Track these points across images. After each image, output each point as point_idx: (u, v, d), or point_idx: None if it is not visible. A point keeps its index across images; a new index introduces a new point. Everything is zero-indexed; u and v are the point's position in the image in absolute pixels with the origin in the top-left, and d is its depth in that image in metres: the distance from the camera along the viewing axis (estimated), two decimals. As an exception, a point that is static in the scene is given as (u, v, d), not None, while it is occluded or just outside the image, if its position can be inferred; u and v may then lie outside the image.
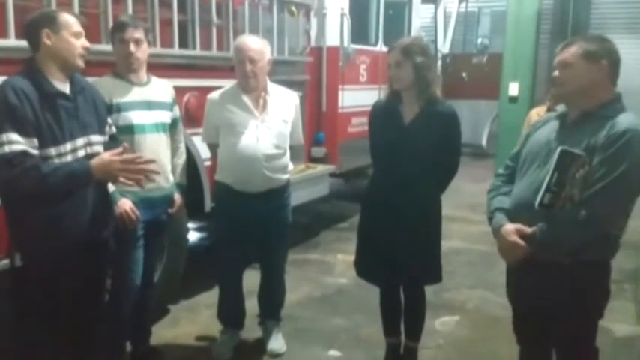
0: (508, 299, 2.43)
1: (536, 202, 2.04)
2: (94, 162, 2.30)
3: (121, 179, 2.37)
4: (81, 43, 2.35)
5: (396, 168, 2.80)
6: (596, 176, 2.00)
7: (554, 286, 2.13)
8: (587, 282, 2.11)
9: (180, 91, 3.57)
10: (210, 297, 3.86)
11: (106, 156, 2.33)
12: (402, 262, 2.85)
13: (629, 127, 2.00)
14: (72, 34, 2.32)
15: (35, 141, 2.20)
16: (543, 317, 2.25)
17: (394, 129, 2.82)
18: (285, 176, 3.22)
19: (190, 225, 4.26)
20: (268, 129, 3.07)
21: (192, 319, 3.85)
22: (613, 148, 1.99)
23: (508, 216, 2.23)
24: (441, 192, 2.93)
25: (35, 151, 2.19)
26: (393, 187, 2.81)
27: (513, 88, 6.62)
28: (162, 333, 3.59)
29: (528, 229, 2.11)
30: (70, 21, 2.34)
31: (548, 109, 4.45)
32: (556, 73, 2.18)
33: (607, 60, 2.09)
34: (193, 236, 5.04)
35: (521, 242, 2.11)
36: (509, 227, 2.16)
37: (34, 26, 2.31)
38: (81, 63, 2.37)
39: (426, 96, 2.77)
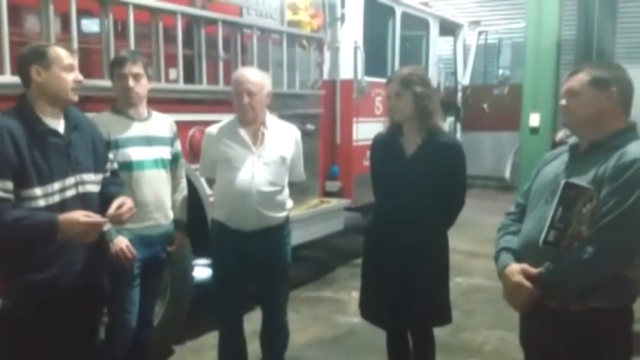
0: (521, 345, 2.25)
1: (540, 240, 1.88)
2: (63, 216, 2.14)
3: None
4: (72, 77, 2.28)
5: (398, 202, 2.68)
6: (603, 209, 1.84)
7: (567, 336, 1.95)
8: (603, 332, 1.91)
9: (185, 125, 3.53)
10: (216, 337, 3.70)
11: (77, 215, 2.15)
12: (406, 303, 2.69)
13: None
14: (62, 68, 2.25)
15: (9, 184, 2.10)
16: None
17: (395, 162, 2.71)
18: (282, 214, 3.07)
19: (197, 261, 4.16)
20: (265, 165, 2.94)
21: (196, 361, 3.72)
22: (622, 179, 1.83)
23: (515, 256, 2.07)
24: (447, 228, 2.79)
25: (7, 195, 2.09)
26: (394, 223, 2.69)
27: (534, 119, 6.43)
28: (164, 376, 3.47)
29: (534, 270, 1.94)
30: (61, 55, 2.26)
31: None
32: (563, 102, 2.06)
33: (617, 87, 1.96)
34: (200, 273, 4.92)
35: (527, 283, 1.94)
36: (514, 267, 2.01)
37: (23, 62, 2.25)
38: (74, 97, 2.30)
39: (427, 127, 2.67)
